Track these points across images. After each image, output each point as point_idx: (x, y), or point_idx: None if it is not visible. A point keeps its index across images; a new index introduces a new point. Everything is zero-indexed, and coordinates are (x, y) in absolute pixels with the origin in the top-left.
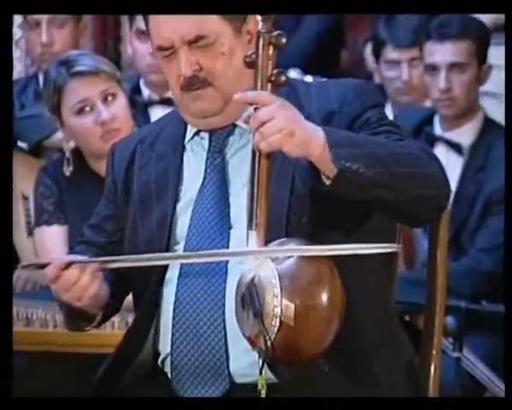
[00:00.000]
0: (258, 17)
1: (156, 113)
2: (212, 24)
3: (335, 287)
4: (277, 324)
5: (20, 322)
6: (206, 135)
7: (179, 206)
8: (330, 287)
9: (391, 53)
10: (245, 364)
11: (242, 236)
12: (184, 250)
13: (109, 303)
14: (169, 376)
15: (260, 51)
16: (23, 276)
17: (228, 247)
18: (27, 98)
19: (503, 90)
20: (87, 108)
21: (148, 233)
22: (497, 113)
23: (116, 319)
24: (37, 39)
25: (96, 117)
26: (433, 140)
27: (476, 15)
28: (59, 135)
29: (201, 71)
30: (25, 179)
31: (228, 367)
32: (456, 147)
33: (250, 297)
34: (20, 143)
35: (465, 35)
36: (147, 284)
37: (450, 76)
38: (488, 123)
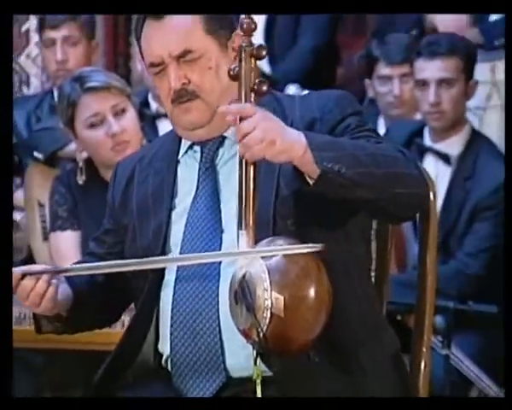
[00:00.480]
0: (240, 32)
1: (164, 125)
2: (199, 39)
3: (322, 282)
4: (268, 315)
5: None
6: (198, 148)
7: (174, 215)
8: (317, 282)
9: (383, 69)
10: (242, 359)
11: (233, 238)
12: (180, 254)
13: (98, 308)
14: (171, 375)
15: (243, 63)
16: None
17: (220, 249)
18: (43, 112)
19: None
20: (99, 122)
21: (145, 243)
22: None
23: (126, 318)
24: (52, 57)
25: (107, 130)
26: (423, 151)
27: (463, 34)
28: (72, 146)
29: (190, 84)
30: (40, 187)
31: (224, 362)
32: (444, 157)
33: (242, 292)
34: (36, 154)
35: (453, 53)
36: (145, 287)
37: (439, 91)
38: (475, 135)
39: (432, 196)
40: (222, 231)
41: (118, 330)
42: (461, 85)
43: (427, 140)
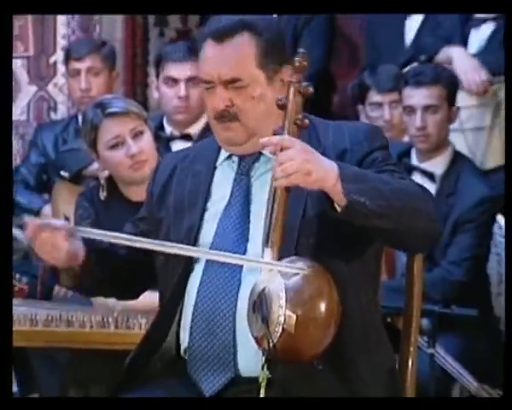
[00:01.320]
0: (291, 68)
1: (177, 146)
2: (249, 71)
3: (332, 298)
4: (280, 330)
5: (62, 323)
6: (236, 159)
7: (206, 216)
8: (328, 299)
9: (374, 97)
10: (251, 360)
11: (257, 249)
12: (205, 263)
13: (102, 274)
14: (187, 365)
15: (291, 98)
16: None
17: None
18: (69, 135)
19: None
20: (119, 143)
21: (178, 239)
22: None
23: (143, 320)
24: (77, 85)
25: (126, 151)
26: (410, 170)
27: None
28: (95, 165)
29: (233, 107)
30: (66, 203)
31: (235, 360)
32: (429, 176)
33: (260, 304)
34: (62, 173)
35: (437, 82)
36: (169, 279)
37: (424, 116)
38: (457, 155)
39: None
40: (247, 240)
41: (136, 331)
42: (444, 111)
43: (414, 160)
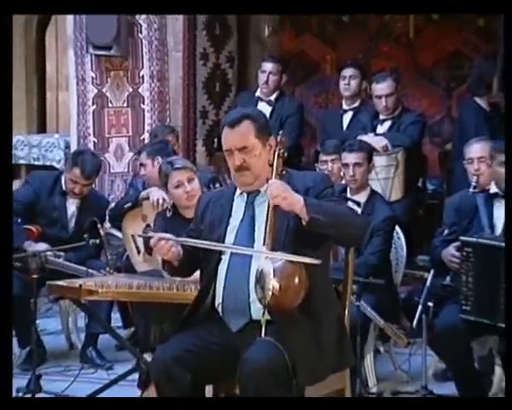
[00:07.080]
0: (274, 143)
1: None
2: (251, 141)
3: (303, 275)
4: (270, 294)
5: (146, 287)
6: (245, 194)
7: (228, 229)
8: (300, 275)
9: (324, 157)
10: (259, 311)
11: (259, 248)
12: (230, 255)
13: (185, 264)
14: (220, 314)
15: (275, 160)
16: None
17: (252, 255)
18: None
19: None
20: (180, 185)
21: (212, 242)
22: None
23: (192, 286)
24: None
25: (184, 189)
26: (346, 199)
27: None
28: (144, 193)
29: (245, 163)
30: (131, 226)
31: (249, 310)
32: (357, 203)
33: (259, 278)
34: (125, 206)
35: (361, 149)
36: (208, 264)
37: (354, 169)
38: (373, 192)
39: None
40: (253, 242)
41: (189, 292)
42: (365, 166)
43: (348, 194)
